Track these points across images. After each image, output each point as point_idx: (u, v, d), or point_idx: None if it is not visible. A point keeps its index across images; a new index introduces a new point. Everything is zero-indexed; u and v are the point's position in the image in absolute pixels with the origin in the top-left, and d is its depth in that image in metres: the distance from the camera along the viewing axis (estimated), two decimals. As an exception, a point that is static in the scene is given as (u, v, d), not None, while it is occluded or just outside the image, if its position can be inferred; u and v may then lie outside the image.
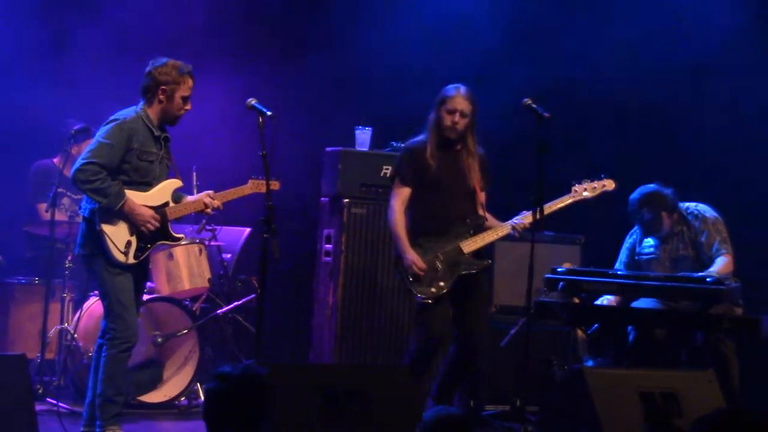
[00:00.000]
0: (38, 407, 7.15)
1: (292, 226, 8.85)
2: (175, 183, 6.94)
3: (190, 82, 6.83)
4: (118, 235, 6.68)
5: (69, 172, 8.59)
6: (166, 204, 6.86)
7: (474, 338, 7.33)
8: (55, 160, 8.80)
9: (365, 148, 8.63)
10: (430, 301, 7.18)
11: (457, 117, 7.26)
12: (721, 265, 7.68)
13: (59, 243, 8.19)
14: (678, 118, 9.75)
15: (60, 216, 8.25)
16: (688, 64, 9.54)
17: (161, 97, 6.78)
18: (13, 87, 9.08)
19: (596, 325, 7.86)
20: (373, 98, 9.62)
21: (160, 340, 8.05)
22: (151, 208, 6.78)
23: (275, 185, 7.12)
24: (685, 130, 9.74)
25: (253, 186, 7.16)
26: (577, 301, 7.57)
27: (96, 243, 6.68)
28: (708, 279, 7.12)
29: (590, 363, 7.82)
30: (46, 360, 8.01)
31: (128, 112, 6.80)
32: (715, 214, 7.93)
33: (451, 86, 7.37)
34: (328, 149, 8.65)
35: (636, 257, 8.09)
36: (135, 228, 6.72)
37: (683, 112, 9.70)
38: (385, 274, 8.41)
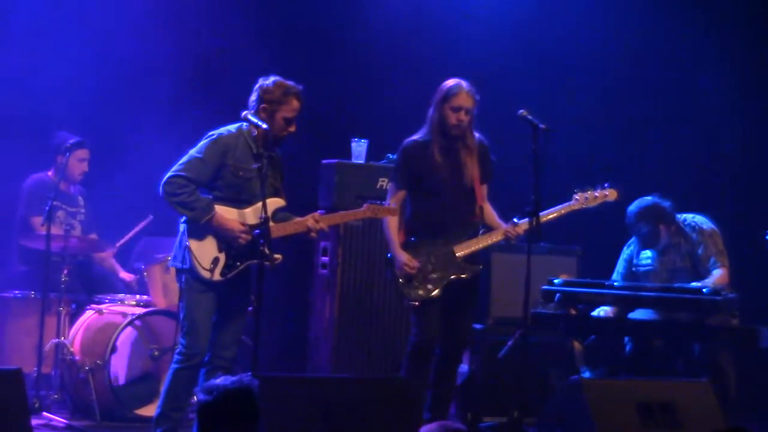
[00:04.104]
0: (34, 422, 7.16)
1: (289, 238, 8.82)
2: (276, 202, 6.64)
3: (295, 103, 6.57)
4: (204, 251, 6.50)
5: (64, 186, 8.66)
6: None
7: (459, 351, 7.34)
8: (49, 173, 8.78)
9: (361, 161, 8.61)
10: (416, 303, 7.12)
11: (462, 115, 7.05)
12: (717, 277, 7.70)
13: (55, 256, 8.16)
14: (680, 128, 9.80)
15: (56, 230, 8.23)
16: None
17: (262, 115, 6.53)
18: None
19: (593, 337, 7.87)
20: (370, 110, 9.61)
21: (156, 353, 8.02)
22: (247, 225, 6.53)
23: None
24: (688, 140, 9.77)
25: (369, 210, 6.91)
26: (574, 312, 7.57)
27: (184, 257, 6.54)
28: (704, 290, 7.12)
29: (587, 374, 7.82)
30: (42, 374, 7.98)
31: (231, 128, 6.62)
32: (712, 225, 7.93)
33: (452, 82, 7.12)
34: (325, 161, 8.63)
35: (633, 269, 8.09)
36: (224, 244, 6.53)
37: (686, 121, 9.75)
38: (381, 286, 8.39)
